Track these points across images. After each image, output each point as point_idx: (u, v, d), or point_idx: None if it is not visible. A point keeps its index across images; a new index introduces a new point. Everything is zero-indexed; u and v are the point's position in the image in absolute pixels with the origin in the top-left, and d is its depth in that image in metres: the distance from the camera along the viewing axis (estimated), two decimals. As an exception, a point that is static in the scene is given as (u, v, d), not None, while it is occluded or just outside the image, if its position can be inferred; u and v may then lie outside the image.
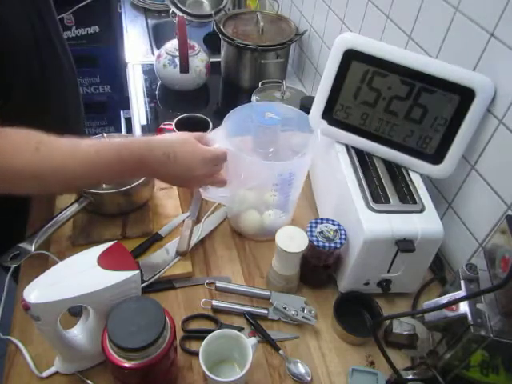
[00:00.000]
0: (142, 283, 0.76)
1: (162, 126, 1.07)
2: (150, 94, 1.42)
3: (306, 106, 1.09)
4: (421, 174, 0.82)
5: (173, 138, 0.75)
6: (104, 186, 0.92)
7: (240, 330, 0.75)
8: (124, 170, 0.68)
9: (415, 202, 0.76)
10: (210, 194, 0.87)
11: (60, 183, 0.65)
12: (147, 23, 1.82)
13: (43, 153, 0.60)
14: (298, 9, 1.47)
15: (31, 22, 0.86)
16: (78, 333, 0.67)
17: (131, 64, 1.55)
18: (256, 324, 0.77)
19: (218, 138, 0.81)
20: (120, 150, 0.66)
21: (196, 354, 0.67)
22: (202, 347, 0.65)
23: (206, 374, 0.63)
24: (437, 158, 0.79)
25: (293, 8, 1.52)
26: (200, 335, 0.71)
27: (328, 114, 0.85)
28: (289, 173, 0.80)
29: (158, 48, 1.42)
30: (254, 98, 1.25)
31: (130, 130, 1.68)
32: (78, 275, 0.60)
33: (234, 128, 0.84)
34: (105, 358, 0.58)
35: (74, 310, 0.72)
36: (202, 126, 1.01)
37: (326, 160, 0.89)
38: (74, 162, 0.63)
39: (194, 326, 0.77)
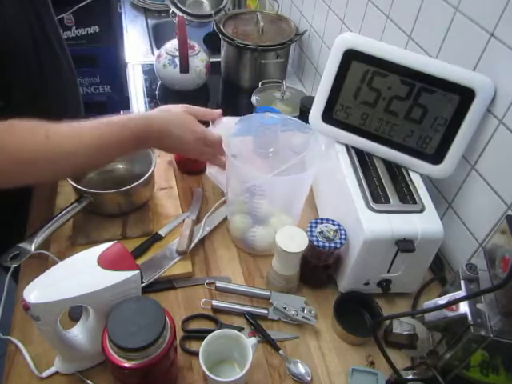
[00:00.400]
0: (141, 283, 0.76)
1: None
2: (150, 94, 1.42)
3: (305, 105, 1.09)
4: (421, 174, 0.82)
5: (171, 116, 0.80)
6: (102, 179, 0.94)
7: (240, 330, 0.75)
8: (126, 149, 0.72)
9: (415, 202, 0.76)
10: (213, 175, 0.95)
11: (71, 167, 0.67)
12: (147, 23, 1.82)
13: (53, 139, 0.62)
14: (297, 9, 1.47)
15: (29, 22, 0.85)
16: (78, 333, 0.67)
17: (131, 64, 1.55)
18: (256, 324, 0.77)
19: (220, 125, 0.87)
20: (122, 131, 0.69)
21: (196, 354, 0.67)
22: (202, 347, 0.65)
23: (206, 374, 0.63)
24: (437, 158, 0.79)
25: (293, 8, 1.52)
26: (200, 335, 0.71)
27: (328, 114, 0.85)
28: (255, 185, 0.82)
29: (158, 48, 1.42)
30: (254, 98, 1.25)
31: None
32: (77, 275, 0.60)
33: (239, 133, 0.87)
34: (105, 357, 0.58)
35: (74, 315, 0.72)
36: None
37: (326, 160, 0.89)
38: (82, 146, 0.65)
39: (194, 326, 0.77)
